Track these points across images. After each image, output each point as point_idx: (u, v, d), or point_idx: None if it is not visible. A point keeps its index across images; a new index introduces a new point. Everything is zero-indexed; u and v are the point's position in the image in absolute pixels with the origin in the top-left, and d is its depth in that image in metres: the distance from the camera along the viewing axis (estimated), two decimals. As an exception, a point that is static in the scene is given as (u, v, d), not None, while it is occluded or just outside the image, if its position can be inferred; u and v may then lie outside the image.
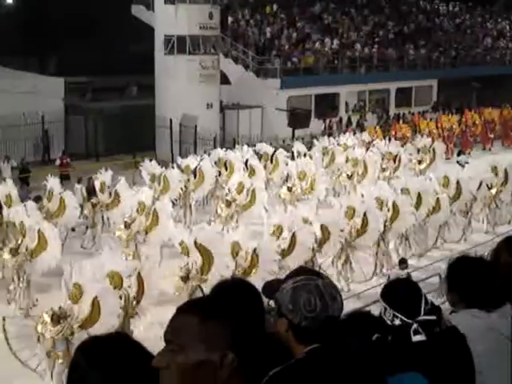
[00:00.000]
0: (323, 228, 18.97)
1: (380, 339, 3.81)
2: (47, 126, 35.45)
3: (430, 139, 33.35)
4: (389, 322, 3.99)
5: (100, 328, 13.22)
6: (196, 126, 35.06)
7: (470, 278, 4.33)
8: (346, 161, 29.11)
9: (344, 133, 36.63)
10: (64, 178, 29.50)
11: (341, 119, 43.19)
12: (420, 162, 31.29)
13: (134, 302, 15.11)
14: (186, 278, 16.65)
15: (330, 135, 35.88)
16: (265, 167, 28.31)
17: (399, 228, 21.44)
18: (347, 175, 28.43)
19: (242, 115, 38.96)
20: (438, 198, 22.78)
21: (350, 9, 51.61)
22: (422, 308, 3.98)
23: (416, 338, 3.90)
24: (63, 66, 39.43)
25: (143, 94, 39.36)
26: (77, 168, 30.16)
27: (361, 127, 41.49)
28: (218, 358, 2.45)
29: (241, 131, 37.70)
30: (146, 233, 20.60)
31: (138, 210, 20.87)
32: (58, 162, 30.80)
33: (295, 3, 48.70)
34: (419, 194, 22.23)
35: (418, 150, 31.87)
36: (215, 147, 33.58)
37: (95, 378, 2.61)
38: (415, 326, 3.92)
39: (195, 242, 16.65)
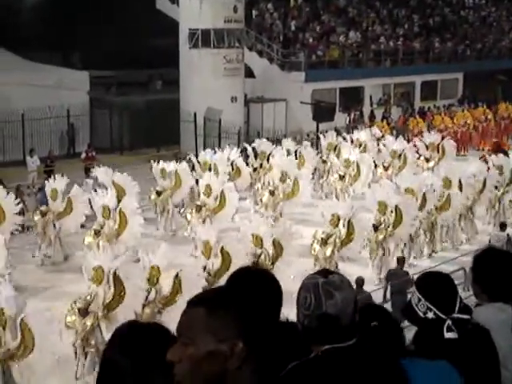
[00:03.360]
0: (275, 243, 17.48)
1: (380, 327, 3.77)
2: (72, 120, 35.65)
3: (439, 136, 31.93)
4: (421, 314, 3.93)
5: None
6: (220, 120, 35.09)
7: (495, 271, 4.30)
8: (346, 161, 27.57)
9: (369, 126, 36.39)
10: (89, 172, 29.68)
11: (362, 113, 43.00)
12: (428, 160, 29.93)
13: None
14: (84, 312, 13.98)
15: (354, 129, 35.70)
16: (261, 166, 27.14)
17: (401, 235, 20.34)
18: (339, 176, 26.94)
19: (267, 108, 38.88)
20: (448, 195, 21.88)
21: (374, 2, 51.34)
22: (457, 305, 3.93)
23: (448, 335, 3.85)
24: (88, 59, 39.57)
25: (168, 88, 39.40)
26: (101, 161, 30.26)
27: (386, 120, 41.30)
28: (228, 347, 2.47)
29: (265, 125, 37.64)
30: (117, 237, 19.67)
31: (103, 215, 19.89)
32: (83, 156, 30.94)
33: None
34: (424, 195, 21.31)
35: (427, 147, 30.63)
36: (239, 141, 33.68)
37: (126, 364, 2.64)
38: (449, 322, 3.87)
39: (114, 273, 14.17)
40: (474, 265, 4.51)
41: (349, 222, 18.89)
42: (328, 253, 18.38)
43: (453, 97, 48.91)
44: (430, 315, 3.91)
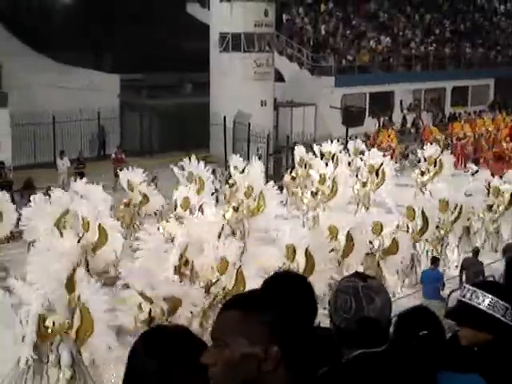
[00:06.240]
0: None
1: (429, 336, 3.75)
2: (103, 122, 35.88)
3: (438, 148, 28.74)
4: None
5: None
6: (249, 124, 35.10)
7: None
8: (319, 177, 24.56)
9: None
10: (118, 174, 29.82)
11: (391, 118, 42.80)
12: (423, 174, 27.16)
13: None
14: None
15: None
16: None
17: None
18: (312, 193, 23.93)
19: (296, 113, 38.90)
20: (394, 238, 18.37)
21: (405, 6, 51.24)
22: None
23: None
24: (118, 62, 39.78)
25: (198, 92, 39.53)
26: (131, 164, 30.34)
27: (416, 127, 41.12)
28: (262, 351, 2.44)
29: (294, 129, 37.65)
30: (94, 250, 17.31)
31: (82, 226, 17.64)
32: (112, 157, 31.15)
33: (350, 1, 48.44)
34: (350, 237, 17.67)
35: (425, 159, 27.86)
36: (268, 145, 33.68)
37: (151, 366, 2.62)
38: None
39: None
40: (507, 273, 4.46)
41: (238, 269, 14.85)
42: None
43: (484, 103, 48.68)
44: None
